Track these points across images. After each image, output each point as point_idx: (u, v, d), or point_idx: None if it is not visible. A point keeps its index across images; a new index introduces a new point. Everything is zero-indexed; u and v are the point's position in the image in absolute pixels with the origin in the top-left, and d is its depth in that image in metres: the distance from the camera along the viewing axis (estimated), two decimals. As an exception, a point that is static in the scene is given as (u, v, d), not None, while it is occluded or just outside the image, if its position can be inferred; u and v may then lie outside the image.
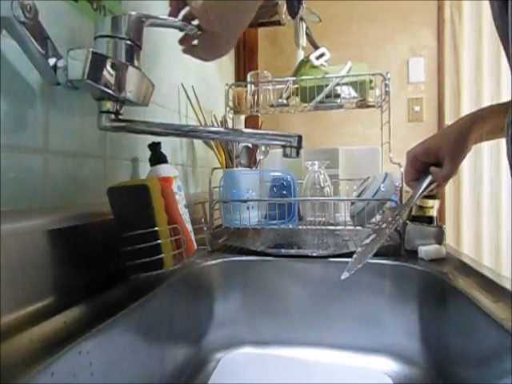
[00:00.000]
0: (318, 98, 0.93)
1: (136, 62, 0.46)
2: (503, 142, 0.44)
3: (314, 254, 0.73)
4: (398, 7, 1.71)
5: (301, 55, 1.13)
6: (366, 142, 1.58)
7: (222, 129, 0.84)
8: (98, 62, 0.41)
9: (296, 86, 0.98)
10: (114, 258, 0.51)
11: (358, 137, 1.67)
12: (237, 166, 0.95)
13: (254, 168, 0.99)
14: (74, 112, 0.52)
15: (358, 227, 0.84)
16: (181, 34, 0.52)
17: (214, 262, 0.73)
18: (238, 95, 1.01)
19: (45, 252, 0.44)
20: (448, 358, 0.57)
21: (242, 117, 1.07)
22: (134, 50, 0.46)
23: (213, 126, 0.98)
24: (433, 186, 0.56)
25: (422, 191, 0.55)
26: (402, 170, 0.78)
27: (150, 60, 0.72)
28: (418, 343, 0.65)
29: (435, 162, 0.56)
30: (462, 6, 1.69)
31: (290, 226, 0.82)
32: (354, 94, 0.94)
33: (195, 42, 0.49)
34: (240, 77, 1.44)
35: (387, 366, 0.66)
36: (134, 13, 0.45)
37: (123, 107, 0.48)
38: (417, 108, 1.74)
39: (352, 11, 1.74)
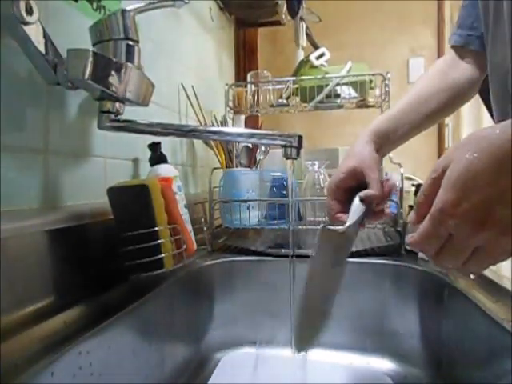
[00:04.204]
0: (318, 98, 0.93)
1: (136, 62, 0.46)
2: None
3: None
4: (398, 7, 1.71)
5: (301, 55, 1.13)
6: (365, 142, 1.58)
7: (222, 129, 0.84)
8: (98, 61, 0.41)
9: (296, 86, 0.98)
10: (114, 258, 0.51)
11: (358, 137, 1.66)
12: (237, 166, 0.95)
13: (253, 168, 0.99)
14: (73, 112, 0.52)
15: (358, 227, 0.84)
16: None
17: (213, 261, 0.73)
18: (238, 95, 1.01)
19: (45, 252, 0.44)
20: (448, 358, 0.57)
21: (242, 117, 1.06)
22: (133, 49, 0.46)
23: (213, 125, 0.98)
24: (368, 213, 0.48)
25: (359, 219, 0.46)
26: (402, 170, 0.78)
27: (150, 60, 0.72)
28: (418, 343, 0.65)
29: (357, 185, 0.49)
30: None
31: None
32: (354, 94, 0.94)
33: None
34: (240, 77, 1.44)
35: (387, 366, 0.66)
36: (126, 8, 0.45)
37: (123, 107, 0.48)
38: (417, 108, 1.74)
39: (352, 11, 1.74)
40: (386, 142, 0.54)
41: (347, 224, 0.46)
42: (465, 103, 0.61)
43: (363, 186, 0.49)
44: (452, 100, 0.58)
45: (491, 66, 0.49)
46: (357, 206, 0.47)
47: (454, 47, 0.59)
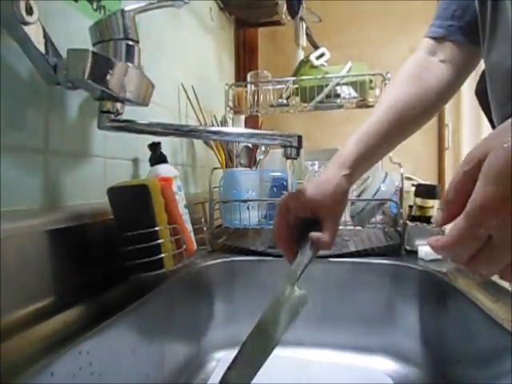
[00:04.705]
0: (318, 98, 0.93)
1: (136, 62, 0.46)
2: None
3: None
4: (398, 7, 1.70)
5: (301, 55, 1.13)
6: (365, 142, 1.57)
7: (222, 129, 0.84)
8: (97, 62, 0.41)
9: (296, 86, 0.98)
10: (113, 258, 0.51)
11: (358, 137, 1.66)
12: (237, 166, 0.95)
13: (253, 168, 0.99)
14: (73, 112, 0.52)
15: (358, 227, 0.84)
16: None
17: (213, 261, 0.73)
18: (238, 95, 1.01)
19: (44, 252, 0.44)
20: (448, 358, 0.57)
21: (242, 117, 1.07)
22: (133, 49, 0.46)
23: (213, 125, 0.98)
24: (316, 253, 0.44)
25: (306, 266, 0.43)
26: (402, 170, 0.78)
27: (150, 59, 0.72)
28: (418, 343, 0.65)
29: (311, 216, 0.46)
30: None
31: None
32: (354, 94, 0.94)
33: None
34: (240, 77, 1.44)
35: (387, 365, 0.66)
36: (126, 8, 0.45)
37: (123, 107, 0.48)
38: (417, 108, 1.73)
39: (352, 11, 1.74)
40: (363, 164, 0.50)
41: (296, 276, 0.42)
42: (443, 106, 0.58)
43: (317, 218, 0.46)
44: (430, 106, 0.54)
45: (490, 64, 0.47)
46: (307, 250, 0.44)
47: (433, 39, 0.55)
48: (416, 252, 0.73)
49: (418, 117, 0.54)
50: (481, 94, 0.53)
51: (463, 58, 0.53)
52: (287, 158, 0.47)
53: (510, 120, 0.27)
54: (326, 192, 0.46)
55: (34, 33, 0.40)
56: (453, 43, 0.53)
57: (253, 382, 0.36)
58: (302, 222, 0.46)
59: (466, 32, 0.51)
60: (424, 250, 0.71)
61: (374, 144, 0.50)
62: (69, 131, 0.51)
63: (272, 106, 0.99)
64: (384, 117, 0.51)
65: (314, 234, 0.44)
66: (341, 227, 0.86)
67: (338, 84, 0.93)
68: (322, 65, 1.00)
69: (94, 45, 0.46)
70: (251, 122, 1.22)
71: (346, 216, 0.86)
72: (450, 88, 0.55)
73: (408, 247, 0.76)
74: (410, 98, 0.52)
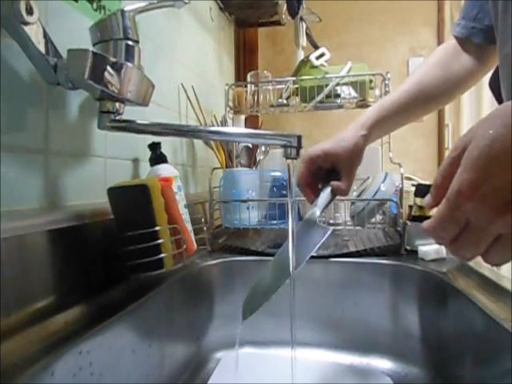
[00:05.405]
0: (318, 98, 0.93)
1: (136, 62, 0.46)
2: None
3: (314, 254, 0.73)
4: (398, 7, 1.70)
5: (301, 55, 1.13)
6: (365, 142, 1.57)
7: (222, 129, 0.84)
8: (98, 62, 0.41)
9: (296, 85, 0.97)
10: (114, 258, 0.51)
11: (358, 137, 1.66)
12: (237, 166, 0.95)
13: (253, 168, 0.99)
14: (73, 112, 0.52)
15: (358, 227, 0.84)
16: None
17: (213, 261, 0.73)
18: (238, 95, 1.01)
19: (45, 252, 0.44)
20: (448, 358, 0.57)
21: (242, 117, 1.07)
22: (133, 49, 0.46)
23: (213, 125, 0.97)
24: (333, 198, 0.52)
25: (326, 206, 0.51)
26: (402, 170, 0.78)
27: (150, 60, 0.72)
28: (417, 343, 0.65)
29: (331, 167, 0.53)
30: (461, 6, 1.68)
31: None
32: (353, 94, 0.94)
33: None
34: (240, 77, 1.44)
35: (387, 366, 0.66)
36: (126, 8, 0.45)
37: (123, 107, 0.48)
38: (417, 108, 1.73)
39: (352, 11, 1.74)
40: (379, 128, 0.57)
41: (317, 213, 0.51)
42: (463, 93, 0.63)
43: (336, 169, 0.53)
44: (451, 91, 0.60)
45: (501, 56, 0.48)
46: (327, 194, 0.52)
47: (456, 38, 0.60)
48: (416, 252, 0.73)
49: (439, 99, 0.60)
50: (494, 85, 0.56)
51: (485, 56, 0.57)
52: (287, 158, 0.47)
53: (494, 109, 0.28)
54: (345, 147, 0.53)
55: (34, 33, 0.40)
56: (474, 44, 0.58)
57: (252, 382, 0.36)
58: (323, 172, 0.54)
59: (486, 34, 0.55)
60: (424, 249, 0.71)
61: (392, 111, 0.57)
62: (69, 131, 0.51)
63: (272, 106, 0.99)
64: (407, 89, 0.58)
65: (334, 182, 0.52)
66: (341, 227, 0.86)
67: (337, 84, 0.93)
68: (322, 65, 1.00)
69: (94, 45, 0.46)
70: (251, 122, 1.22)
71: (345, 216, 0.86)
72: (472, 77, 0.60)
73: (408, 247, 0.76)
74: (434, 82, 0.58)
